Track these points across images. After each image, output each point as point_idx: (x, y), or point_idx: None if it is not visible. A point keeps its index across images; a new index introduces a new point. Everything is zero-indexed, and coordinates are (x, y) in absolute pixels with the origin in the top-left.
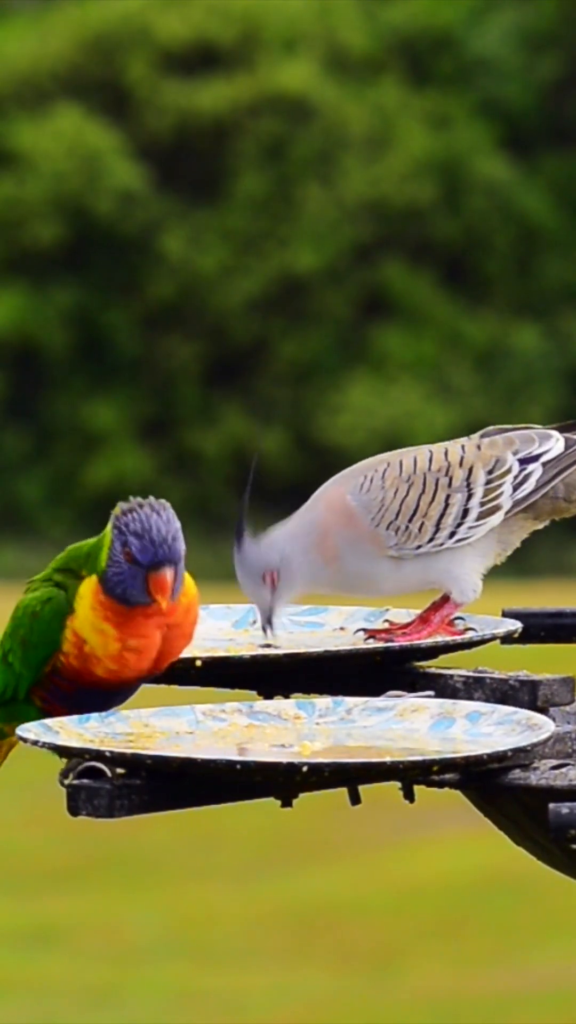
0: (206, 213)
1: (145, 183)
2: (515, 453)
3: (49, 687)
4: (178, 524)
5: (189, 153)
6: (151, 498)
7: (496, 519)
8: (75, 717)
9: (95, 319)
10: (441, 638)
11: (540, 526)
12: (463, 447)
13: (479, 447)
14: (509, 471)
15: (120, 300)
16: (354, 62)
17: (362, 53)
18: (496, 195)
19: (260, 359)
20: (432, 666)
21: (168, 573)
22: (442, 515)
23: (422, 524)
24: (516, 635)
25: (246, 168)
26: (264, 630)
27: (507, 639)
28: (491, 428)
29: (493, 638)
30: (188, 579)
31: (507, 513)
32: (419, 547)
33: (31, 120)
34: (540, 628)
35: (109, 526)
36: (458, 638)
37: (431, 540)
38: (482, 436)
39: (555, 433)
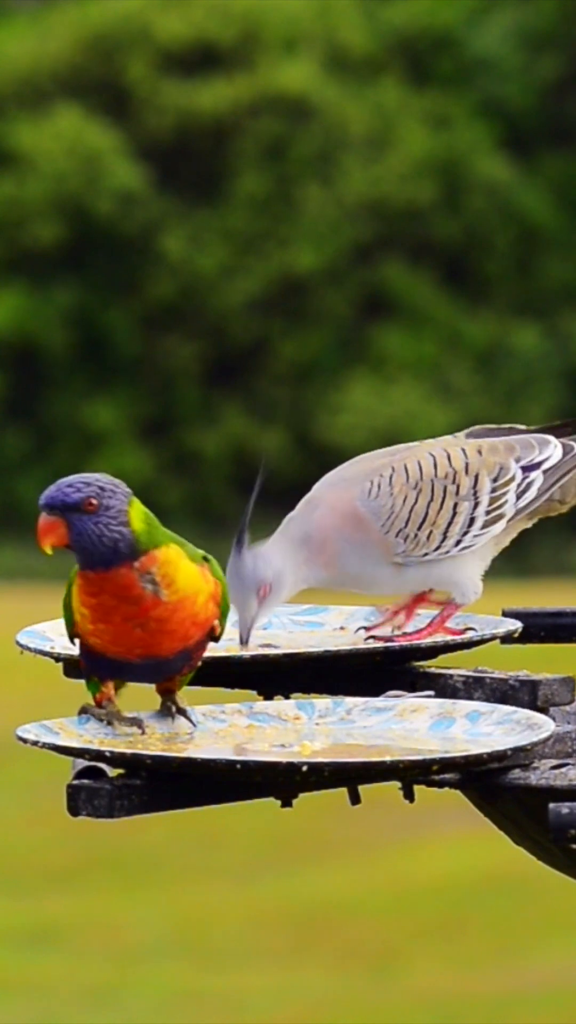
0: (206, 213)
1: (145, 183)
2: (517, 460)
3: (79, 644)
4: (98, 482)
5: (189, 153)
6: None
7: (499, 527)
8: (75, 718)
9: (95, 319)
10: (441, 638)
11: (529, 525)
12: (464, 451)
13: (480, 451)
14: (513, 479)
15: (120, 300)
16: (354, 62)
17: (362, 53)
18: (496, 195)
19: (260, 359)
20: (432, 666)
21: (42, 517)
22: (450, 523)
23: (430, 532)
24: (516, 635)
25: (246, 168)
26: (242, 639)
27: (507, 639)
28: (477, 428)
29: (493, 638)
30: (188, 577)
31: (509, 521)
32: (426, 555)
33: (31, 120)
34: (540, 628)
35: None
36: (458, 638)
37: (438, 548)
38: (468, 435)
39: (552, 438)
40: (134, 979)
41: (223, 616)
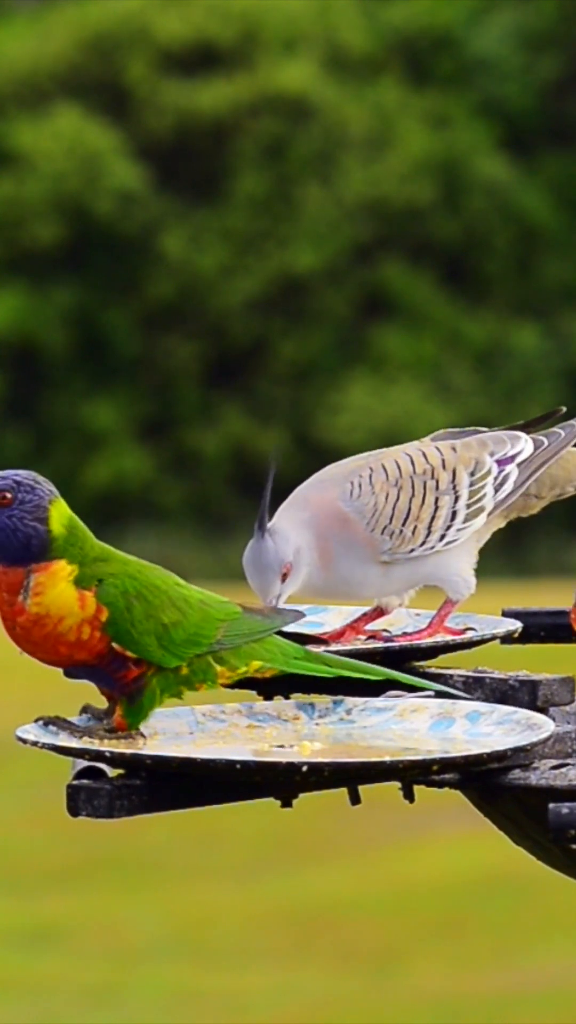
0: (206, 213)
1: (145, 183)
2: (491, 455)
3: None
4: (15, 477)
5: (189, 153)
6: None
7: (480, 521)
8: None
9: (95, 319)
10: (441, 638)
11: (503, 524)
12: (438, 449)
13: (454, 449)
14: (489, 472)
15: (120, 300)
16: (354, 62)
17: (362, 53)
18: (496, 195)
19: (260, 359)
20: (432, 666)
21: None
22: (432, 518)
23: (415, 528)
24: (516, 635)
25: (246, 168)
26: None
27: (507, 639)
28: (440, 432)
29: (493, 638)
30: (57, 597)
31: (489, 514)
32: (412, 550)
33: (31, 120)
34: (540, 628)
35: None
36: (458, 638)
37: (423, 544)
38: (433, 439)
39: (522, 434)
40: (134, 979)
41: (124, 640)
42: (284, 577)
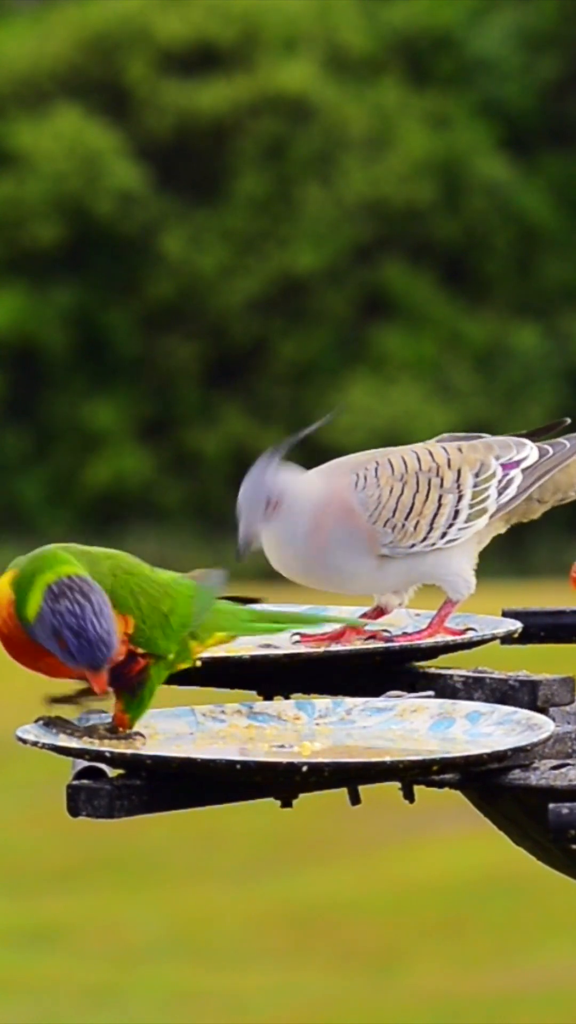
0: (206, 213)
1: (145, 183)
2: (497, 458)
3: None
4: (109, 607)
5: (189, 153)
6: (78, 578)
7: (482, 522)
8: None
9: (95, 319)
10: (441, 638)
11: (504, 530)
12: (444, 448)
13: (460, 449)
14: (493, 475)
15: (120, 300)
16: (354, 62)
17: (362, 53)
18: (496, 195)
19: (260, 359)
20: (432, 666)
21: (105, 672)
22: (435, 515)
23: (417, 523)
24: (516, 635)
25: (246, 168)
26: (239, 551)
27: (507, 639)
28: (445, 435)
29: (493, 638)
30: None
31: (491, 517)
32: (412, 546)
33: (31, 120)
34: (540, 628)
35: (42, 577)
36: (458, 638)
37: (424, 540)
38: (437, 442)
39: (527, 442)
40: (134, 979)
41: (138, 639)
42: (270, 512)
